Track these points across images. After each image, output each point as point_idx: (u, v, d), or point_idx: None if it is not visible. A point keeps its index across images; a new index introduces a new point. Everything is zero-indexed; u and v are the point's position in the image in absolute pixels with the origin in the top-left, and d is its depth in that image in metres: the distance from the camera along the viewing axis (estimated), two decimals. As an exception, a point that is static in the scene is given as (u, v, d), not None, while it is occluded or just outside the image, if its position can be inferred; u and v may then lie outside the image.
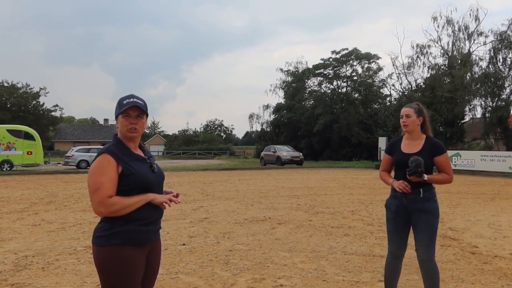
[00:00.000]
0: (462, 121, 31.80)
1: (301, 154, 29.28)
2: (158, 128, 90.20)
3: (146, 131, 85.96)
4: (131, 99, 2.06)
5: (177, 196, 2.17)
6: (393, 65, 38.44)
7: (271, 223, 6.92)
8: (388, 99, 39.05)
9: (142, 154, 2.09)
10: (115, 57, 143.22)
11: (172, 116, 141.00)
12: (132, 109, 2.03)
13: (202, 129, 77.99)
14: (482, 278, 4.10)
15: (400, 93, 34.59)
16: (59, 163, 27.55)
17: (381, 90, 39.66)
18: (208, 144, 59.02)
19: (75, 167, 23.90)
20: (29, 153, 21.78)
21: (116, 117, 2.06)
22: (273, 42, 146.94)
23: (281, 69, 43.02)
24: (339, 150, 36.43)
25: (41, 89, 51.95)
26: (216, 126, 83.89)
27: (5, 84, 49.60)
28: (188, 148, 56.21)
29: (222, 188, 12.77)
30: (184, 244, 5.42)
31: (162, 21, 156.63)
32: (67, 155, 25.44)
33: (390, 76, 36.98)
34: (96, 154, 2.06)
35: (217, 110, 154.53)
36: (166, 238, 5.77)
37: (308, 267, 4.43)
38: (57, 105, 54.91)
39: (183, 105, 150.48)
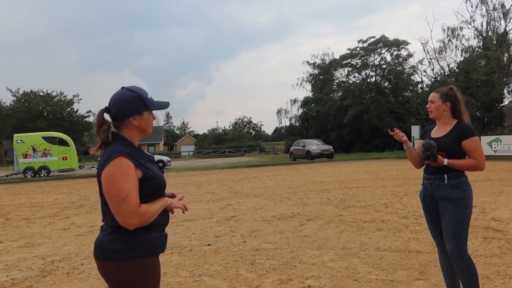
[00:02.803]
0: (501, 105, 30.19)
1: (331, 147, 28.73)
2: (188, 128, 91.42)
3: (177, 132, 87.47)
4: (149, 96, 1.85)
5: (181, 199, 1.99)
6: (424, 50, 37.28)
7: (300, 220, 6.67)
8: (419, 86, 37.65)
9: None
10: (145, 61, 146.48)
11: (202, 115, 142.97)
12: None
13: (231, 127, 78.44)
14: (532, 273, 3.71)
15: (433, 79, 33.30)
16: (93, 167, 28.26)
17: (412, 77, 38.27)
18: (237, 141, 59.28)
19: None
20: (64, 158, 22.43)
21: (138, 113, 1.78)
22: (300, 36, 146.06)
23: (308, 62, 42.44)
24: (371, 141, 35.51)
25: (74, 96, 53.61)
26: (245, 124, 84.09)
27: (41, 93, 51.52)
28: (218, 146, 56.60)
29: (251, 185, 12.60)
30: (209, 245, 5.28)
31: (189, 23, 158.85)
32: (99, 159, 26.04)
33: (421, 62, 35.60)
34: (110, 156, 1.68)
35: (246, 108, 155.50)
36: (192, 239, 5.65)
37: (338, 266, 4.16)
38: (90, 111, 56.49)
39: (213, 104, 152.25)
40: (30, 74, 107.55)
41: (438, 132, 3.02)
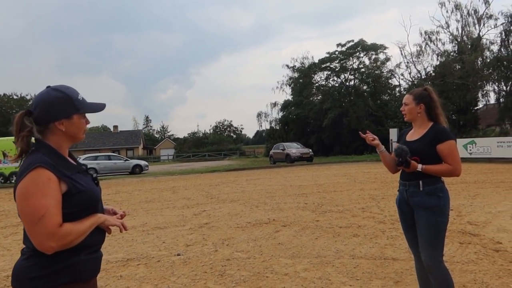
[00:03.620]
0: (475, 108, 30.89)
1: (310, 150, 28.74)
2: (168, 132, 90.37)
3: (157, 136, 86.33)
4: (79, 97, 1.58)
5: (123, 216, 1.75)
6: (401, 54, 37.77)
7: (275, 226, 6.48)
8: (397, 89, 38.15)
9: (75, 164, 1.63)
10: (125, 64, 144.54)
11: (183, 119, 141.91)
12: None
13: (211, 130, 77.93)
14: (510, 281, 3.60)
15: (410, 83, 33.78)
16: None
17: (390, 81, 38.79)
18: (217, 145, 58.84)
19: (83, 176, 23.77)
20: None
21: (66, 116, 1.53)
22: (280, 40, 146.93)
23: (287, 66, 42.49)
24: (350, 145, 35.72)
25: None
26: (225, 127, 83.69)
27: (14, 97, 50.13)
28: (198, 150, 56.06)
29: (228, 190, 12.35)
30: (178, 255, 5.01)
31: (170, 26, 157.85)
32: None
33: (398, 66, 36.18)
34: (27, 168, 1.42)
35: (228, 111, 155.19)
36: (161, 248, 5.37)
37: (311, 276, 3.98)
38: (66, 115, 55.24)
39: (194, 108, 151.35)
40: (3, 76, 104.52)
41: (413, 135, 2.89)
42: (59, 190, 1.43)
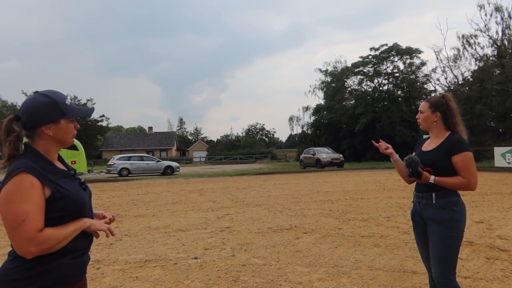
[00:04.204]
0: (517, 115, 29.39)
1: (341, 156, 28.32)
2: (201, 134, 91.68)
3: (190, 138, 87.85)
4: (67, 101, 1.62)
5: (112, 220, 1.78)
6: (437, 58, 36.64)
7: (296, 233, 6.41)
8: (433, 94, 36.92)
9: (64, 168, 1.68)
10: (161, 66, 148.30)
11: (217, 122, 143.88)
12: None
13: (244, 133, 78.43)
14: (535, 302, 3.39)
15: (446, 88, 32.64)
16: (101, 172, 28.44)
17: (425, 86, 37.59)
18: (249, 148, 59.21)
19: (117, 175, 24.52)
20: (73, 162, 22.54)
21: (53, 121, 1.56)
22: (315, 43, 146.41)
23: (320, 69, 42.18)
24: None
25: (88, 100, 54.41)
26: (257, 130, 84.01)
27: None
28: (229, 153, 56.58)
29: (254, 194, 12.36)
30: (196, 258, 5.05)
31: (205, 29, 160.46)
32: (109, 163, 26.20)
33: (434, 70, 35.04)
34: (11, 173, 1.46)
35: (261, 114, 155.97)
36: (180, 251, 5.44)
37: (325, 286, 3.90)
38: (103, 115, 57.31)
39: (228, 110, 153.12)
40: (46, 78, 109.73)
41: (429, 145, 2.78)
42: (42, 195, 1.46)
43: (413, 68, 37.25)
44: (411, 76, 37.20)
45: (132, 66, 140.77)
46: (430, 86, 37.28)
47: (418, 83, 37.39)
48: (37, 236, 1.41)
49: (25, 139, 1.59)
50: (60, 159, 1.69)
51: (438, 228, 2.55)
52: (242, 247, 5.58)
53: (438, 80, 35.27)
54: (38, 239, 1.41)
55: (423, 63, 36.81)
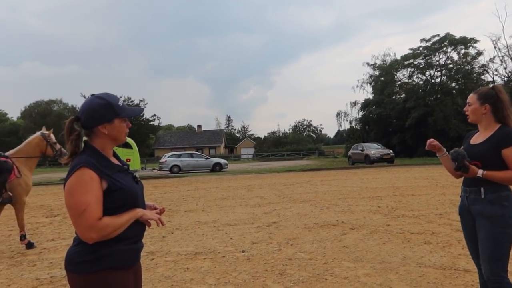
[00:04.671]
0: None
1: (391, 151, 27.47)
2: (249, 132, 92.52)
3: (237, 135, 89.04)
4: (120, 103, 1.78)
5: (162, 211, 1.92)
6: (495, 47, 34.24)
7: (343, 228, 6.37)
8: (491, 86, 34.80)
9: (118, 163, 1.84)
10: (209, 66, 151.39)
11: (264, 119, 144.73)
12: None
13: (291, 130, 78.20)
14: None
15: (506, 79, 30.63)
16: (154, 169, 29.58)
17: (483, 77, 35.53)
18: (296, 145, 58.92)
19: (168, 172, 25.44)
20: (128, 160, 23.67)
21: (108, 120, 1.72)
22: (362, 37, 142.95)
23: (368, 63, 41.19)
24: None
25: (140, 101, 56.67)
26: (304, 127, 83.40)
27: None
28: (277, 150, 56.66)
29: (301, 190, 12.37)
30: (243, 251, 5.19)
31: (251, 27, 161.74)
32: (161, 161, 27.21)
33: (492, 60, 33.06)
34: (73, 168, 1.64)
35: (308, 110, 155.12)
36: (228, 244, 5.61)
37: (372, 282, 3.87)
38: (155, 115, 59.56)
39: (274, 107, 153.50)
40: (102, 81, 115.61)
41: (478, 138, 2.69)
42: (100, 187, 1.63)
43: (469, 58, 35.33)
44: (466, 67, 35.31)
45: (181, 67, 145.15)
46: (488, 77, 35.27)
47: (474, 74, 35.41)
48: (96, 223, 1.58)
49: (84, 138, 1.77)
50: (115, 155, 1.86)
51: (488, 224, 2.48)
52: (288, 241, 5.65)
53: (496, 70, 33.21)
54: (98, 226, 1.58)
55: (479, 53, 34.85)
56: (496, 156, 2.47)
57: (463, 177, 2.73)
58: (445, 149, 2.81)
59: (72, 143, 1.70)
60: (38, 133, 6.16)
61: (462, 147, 2.76)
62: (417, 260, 4.54)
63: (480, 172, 2.47)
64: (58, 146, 6.14)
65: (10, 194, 5.60)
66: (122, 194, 1.69)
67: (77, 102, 63.94)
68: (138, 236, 1.79)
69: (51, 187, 18.15)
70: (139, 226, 1.78)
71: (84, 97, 55.06)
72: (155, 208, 1.92)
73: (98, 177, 1.64)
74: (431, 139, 2.81)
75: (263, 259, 4.80)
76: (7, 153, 5.91)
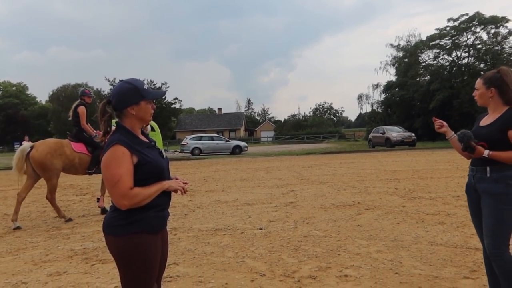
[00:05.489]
0: None
1: (413, 134, 27.10)
2: (269, 115, 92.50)
3: (258, 118, 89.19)
4: (145, 87, 2.00)
5: (186, 183, 2.14)
6: (527, 27, 32.89)
7: (358, 209, 6.54)
8: (522, 67, 33.60)
9: (146, 140, 2.06)
10: (230, 49, 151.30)
11: (285, 101, 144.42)
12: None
13: (311, 113, 77.82)
14: None
15: (538, 59, 29.47)
16: (176, 151, 30.18)
17: (513, 58, 34.27)
18: (317, 128, 58.73)
19: (190, 154, 25.95)
20: (151, 142, 24.21)
21: (135, 102, 1.94)
22: (387, 17, 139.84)
23: (391, 45, 40.26)
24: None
25: (162, 84, 57.38)
26: (325, 110, 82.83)
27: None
28: (297, 133, 56.65)
29: (319, 172, 12.52)
30: (261, 229, 5.44)
31: (273, 9, 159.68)
32: (182, 143, 27.75)
33: (524, 40, 31.73)
34: (108, 145, 1.89)
35: (329, 93, 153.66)
36: (246, 222, 5.86)
37: (383, 258, 4.05)
38: (176, 98, 60.27)
39: (295, 90, 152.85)
40: (125, 64, 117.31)
41: (487, 120, 2.81)
42: (131, 162, 1.87)
43: (499, 38, 34.05)
44: (496, 48, 34.10)
45: (202, 50, 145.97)
46: (519, 58, 33.93)
47: (505, 55, 34.16)
48: (128, 192, 1.82)
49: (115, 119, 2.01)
50: (143, 133, 2.09)
51: (492, 201, 2.61)
52: (304, 220, 5.86)
53: (527, 50, 31.91)
54: (129, 195, 1.82)
55: (510, 33, 33.50)
56: (503, 137, 2.58)
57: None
58: (453, 132, 2.93)
59: (105, 123, 1.96)
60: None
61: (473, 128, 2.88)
62: (429, 239, 4.68)
63: (486, 152, 2.59)
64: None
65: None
66: (150, 167, 1.92)
67: (102, 85, 65.30)
68: (164, 205, 2.03)
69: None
70: (166, 196, 2.02)
71: (108, 81, 56.11)
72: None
73: (129, 153, 1.87)
74: (438, 122, 2.93)
75: (279, 236, 5.04)
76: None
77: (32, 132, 55.01)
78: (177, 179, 2.12)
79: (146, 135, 2.10)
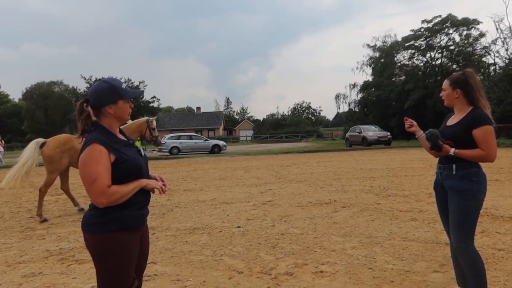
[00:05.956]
0: None
1: (388, 133, 27.69)
2: (247, 114, 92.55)
3: (236, 117, 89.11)
4: (123, 86, 2.03)
5: (164, 180, 2.17)
6: (497, 29, 34.15)
7: (335, 206, 6.67)
8: (492, 68, 34.79)
9: (124, 138, 2.08)
10: (209, 47, 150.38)
11: (263, 101, 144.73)
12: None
13: (290, 112, 78.28)
14: None
15: (507, 61, 30.61)
16: (154, 150, 29.87)
17: (484, 59, 35.44)
18: (295, 127, 59.15)
19: (168, 153, 25.74)
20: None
21: (113, 102, 1.97)
22: (364, 17, 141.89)
23: (368, 45, 41.05)
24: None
25: (140, 82, 56.64)
26: (303, 109, 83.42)
27: (110, 81, 55.20)
28: (275, 132, 56.93)
29: (297, 171, 12.66)
30: (239, 227, 5.49)
31: (251, 7, 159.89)
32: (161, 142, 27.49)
33: (494, 42, 32.91)
34: (85, 143, 1.91)
35: (308, 92, 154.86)
36: (224, 221, 5.90)
37: (357, 254, 4.17)
38: (154, 97, 59.61)
39: (274, 89, 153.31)
40: (102, 62, 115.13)
41: (453, 120, 2.95)
42: (108, 160, 1.89)
43: (470, 40, 35.19)
44: (468, 49, 35.22)
45: (181, 48, 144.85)
46: (489, 59, 35.13)
47: (476, 56, 35.31)
48: (106, 190, 1.84)
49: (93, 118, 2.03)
50: (121, 132, 2.11)
51: (458, 197, 2.74)
52: (282, 218, 5.95)
53: (498, 52, 33.18)
54: (107, 193, 1.85)
55: (481, 35, 34.72)
56: (468, 136, 2.72)
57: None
58: (422, 131, 3.05)
59: (83, 122, 1.96)
60: (144, 118, 7.26)
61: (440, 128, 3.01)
62: (402, 235, 4.84)
63: (452, 150, 2.72)
64: (156, 133, 7.27)
65: None
66: (128, 165, 1.94)
67: (78, 83, 63.85)
68: (143, 203, 2.05)
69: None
70: (144, 194, 2.05)
71: (85, 79, 55.03)
72: (161, 180, 2.17)
73: (107, 151, 1.89)
74: (408, 122, 3.05)
75: (257, 234, 5.10)
76: None
77: (4, 131, 53.32)
78: (160, 178, 2.15)
79: (124, 134, 2.12)
